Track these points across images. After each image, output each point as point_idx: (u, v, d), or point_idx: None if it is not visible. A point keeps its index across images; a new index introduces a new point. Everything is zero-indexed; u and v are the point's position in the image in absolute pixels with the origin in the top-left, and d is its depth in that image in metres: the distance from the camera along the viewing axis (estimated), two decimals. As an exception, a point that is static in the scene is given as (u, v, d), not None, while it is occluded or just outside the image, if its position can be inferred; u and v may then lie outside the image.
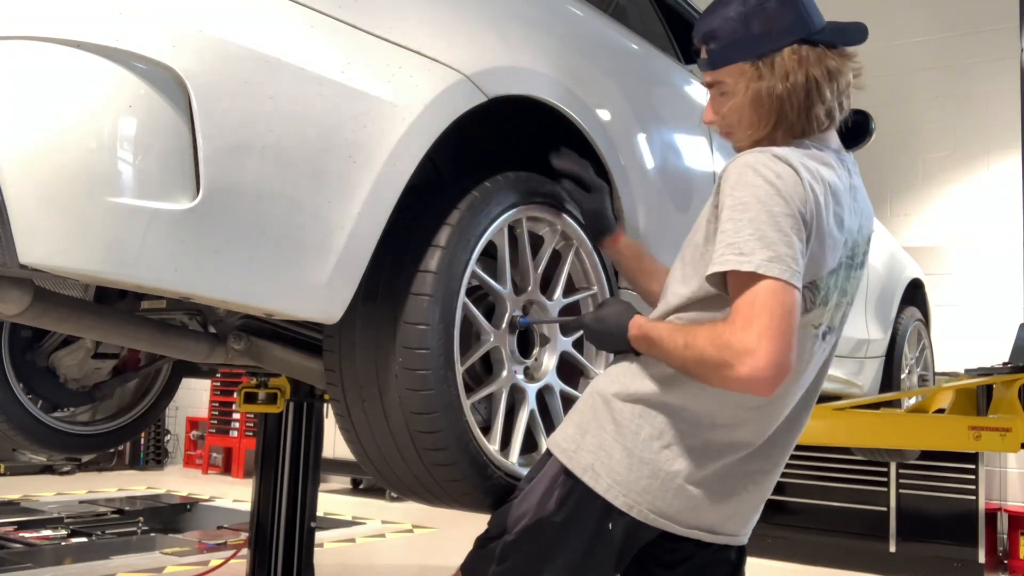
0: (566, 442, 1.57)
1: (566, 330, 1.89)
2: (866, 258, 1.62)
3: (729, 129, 1.58)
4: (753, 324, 1.32)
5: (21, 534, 5.65)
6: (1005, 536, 5.76)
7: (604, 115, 2.06)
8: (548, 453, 1.60)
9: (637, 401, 1.53)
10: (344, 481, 8.99)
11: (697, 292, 1.49)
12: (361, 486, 8.82)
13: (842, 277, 1.53)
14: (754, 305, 1.33)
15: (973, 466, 5.46)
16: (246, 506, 4.82)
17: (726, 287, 1.41)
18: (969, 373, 4.02)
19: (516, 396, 1.79)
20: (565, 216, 1.89)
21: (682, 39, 2.88)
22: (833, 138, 1.57)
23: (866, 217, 1.60)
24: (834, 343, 1.61)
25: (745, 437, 1.54)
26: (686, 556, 1.61)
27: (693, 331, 1.42)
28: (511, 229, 1.78)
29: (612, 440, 1.52)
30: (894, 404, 3.94)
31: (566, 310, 1.93)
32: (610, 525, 1.52)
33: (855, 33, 1.51)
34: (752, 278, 1.34)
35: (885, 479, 5.64)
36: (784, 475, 6.05)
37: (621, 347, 1.59)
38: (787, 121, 1.49)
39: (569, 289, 1.95)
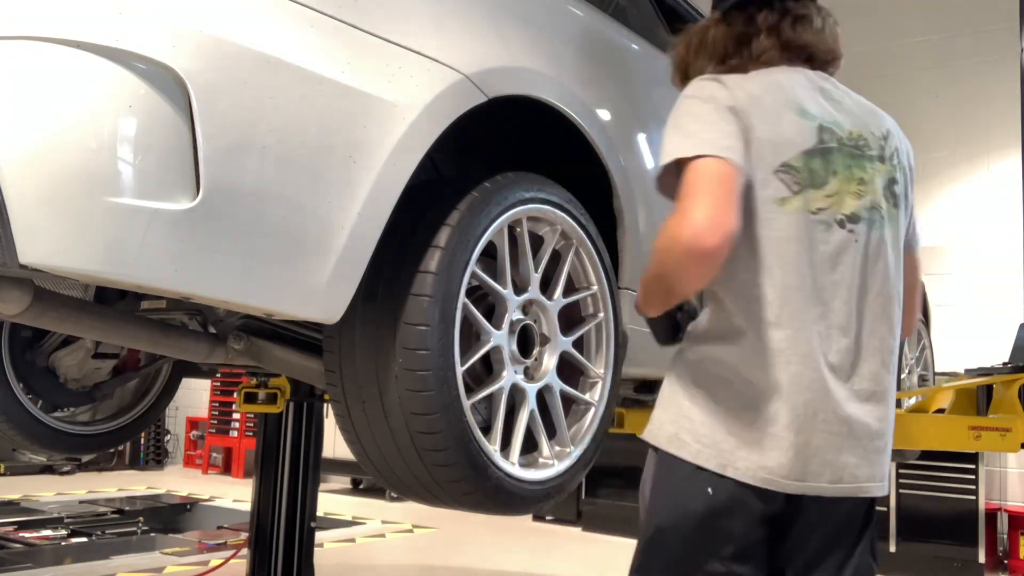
0: (651, 424, 1.57)
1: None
2: (895, 155, 1.60)
3: None
4: (684, 201, 1.41)
5: (21, 534, 5.65)
6: (1005, 536, 5.76)
7: (604, 115, 2.06)
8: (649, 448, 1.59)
9: (706, 360, 1.51)
10: (344, 481, 8.99)
11: None
12: (361, 486, 8.82)
13: (839, 162, 1.52)
14: (685, 189, 1.42)
15: (973, 466, 5.46)
16: (246, 506, 4.82)
17: None
18: (969, 373, 4.01)
19: (516, 396, 1.79)
20: (565, 216, 1.89)
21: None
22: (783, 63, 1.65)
23: (863, 114, 1.61)
24: (878, 239, 1.54)
25: (811, 364, 1.46)
26: (813, 522, 1.51)
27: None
28: (511, 229, 1.78)
29: (690, 405, 1.50)
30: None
31: (566, 310, 1.93)
32: (710, 490, 1.46)
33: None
34: (680, 169, 1.45)
35: (885, 479, 5.63)
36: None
37: (661, 328, 1.63)
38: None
39: (569, 289, 1.95)
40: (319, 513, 4.01)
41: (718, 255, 1.38)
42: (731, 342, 1.48)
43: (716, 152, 1.43)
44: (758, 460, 1.44)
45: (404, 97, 1.50)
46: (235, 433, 9.68)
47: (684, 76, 1.72)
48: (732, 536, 1.46)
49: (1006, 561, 5.70)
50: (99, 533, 5.92)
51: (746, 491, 1.45)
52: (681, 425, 1.50)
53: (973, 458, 5.42)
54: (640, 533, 1.55)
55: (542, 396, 1.85)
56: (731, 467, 1.45)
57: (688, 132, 1.47)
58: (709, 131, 1.46)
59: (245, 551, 3.80)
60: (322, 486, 4.66)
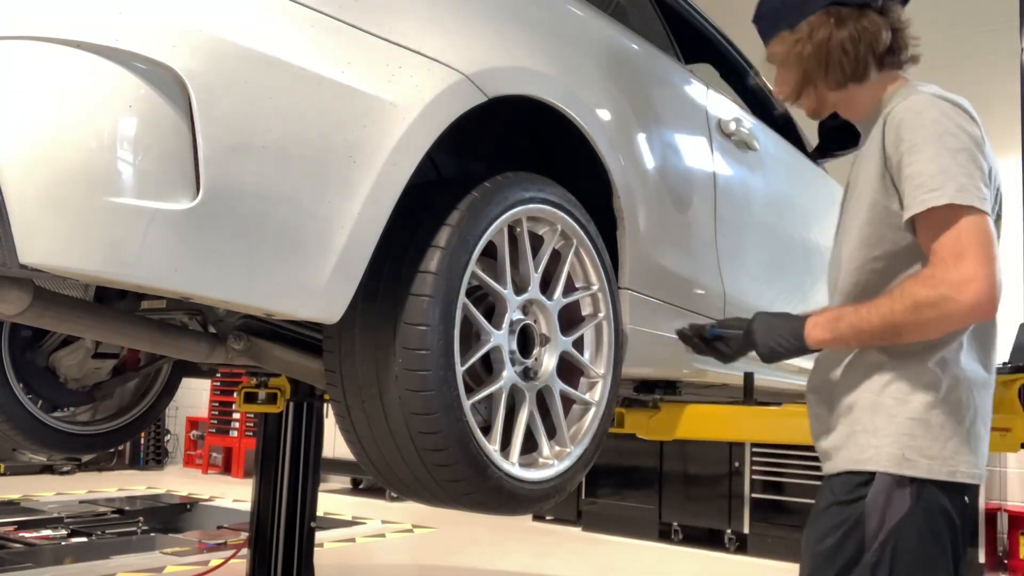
0: (859, 451, 1.57)
1: (727, 355, 1.80)
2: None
3: (783, 95, 1.71)
4: (968, 259, 1.41)
5: (21, 534, 5.66)
6: (1005, 536, 5.76)
7: (604, 115, 2.06)
8: None
9: (929, 370, 1.55)
10: (344, 481, 9.00)
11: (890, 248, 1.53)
12: (361, 486, 8.82)
13: None
14: (967, 242, 1.41)
15: (973, 466, 5.45)
16: (246, 506, 4.82)
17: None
18: (969, 373, 4.01)
19: (516, 396, 1.79)
20: (565, 216, 1.88)
21: (682, 39, 2.88)
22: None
23: None
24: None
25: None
26: None
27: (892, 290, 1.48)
28: (511, 229, 1.78)
29: (906, 420, 1.56)
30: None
31: (566, 309, 1.93)
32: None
33: None
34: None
35: (885, 479, 5.63)
36: (784, 475, 6.01)
37: (792, 350, 1.61)
38: (812, 75, 1.62)
39: (569, 289, 1.95)
40: (319, 513, 4.01)
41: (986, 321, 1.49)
42: (940, 347, 1.52)
43: (985, 211, 1.43)
44: (973, 459, 1.51)
45: (404, 97, 1.50)
46: (235, 433, 9.69)
47: (834, 71, 1.60)
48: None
49: (1006, 561, 5.70)
50: (99, 533, 5.92)
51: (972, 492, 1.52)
52: (904, 444, 1.48)
53: (973, 458, 5.41)
54: None
55: (542, 396, 1.85)
56: (959, 472, 1.49)
57: (969, 174, 1.43)
58: (979, 182, 1.44)
59: (245, 551, 3.80)
60: (322, 486, 4.67)
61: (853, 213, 1.60)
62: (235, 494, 7.76)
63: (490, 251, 1.74)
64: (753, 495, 6.16)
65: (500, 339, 1.74)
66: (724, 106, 2.79)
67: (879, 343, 1.51)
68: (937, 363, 1.51)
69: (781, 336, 1.59)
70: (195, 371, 2.90)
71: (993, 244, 1.42)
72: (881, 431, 1.49)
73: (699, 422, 2.92)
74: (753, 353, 1.71)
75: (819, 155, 3.53)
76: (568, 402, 1.93)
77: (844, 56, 1.58)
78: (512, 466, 1.72)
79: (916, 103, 1.49)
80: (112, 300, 2.19)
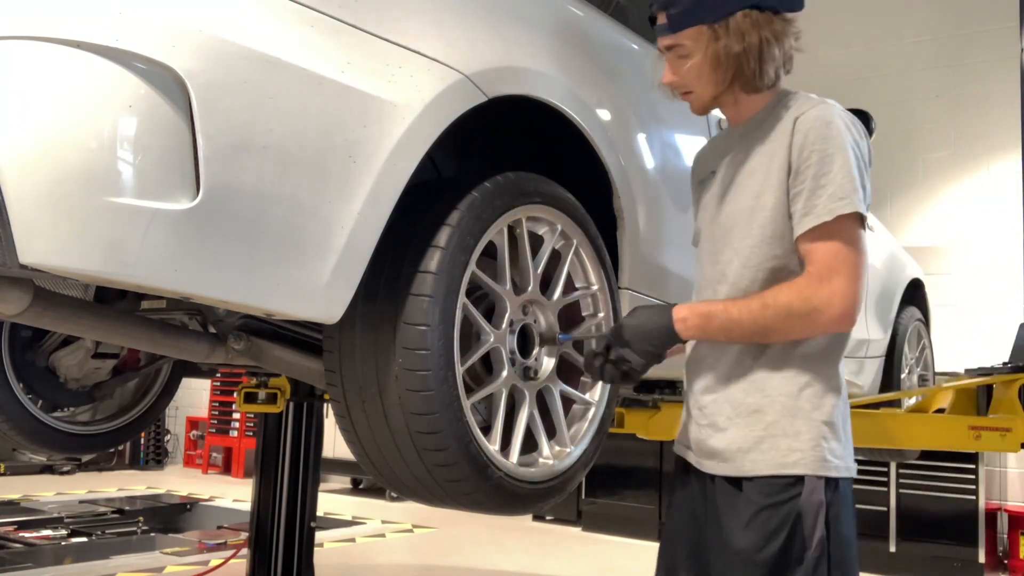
0: (782, 455, 1.63)
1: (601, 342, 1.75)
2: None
3: (688, 88, 1.68)
4: (842, 274, 1.52)
5: (21, 534, 5.66)
6: (1005, 536, 5.76)
7: (604, 115, 2.06)
8: None
9: (824, 375, 1.63)
10: (344, 481, 9.00)
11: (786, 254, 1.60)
12: (361, 486, 8.82)
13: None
14: (845, 256, 1.52)
15: (973, 466, 5.46)
16: (246, 506, 4.83)
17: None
18: (969, 373, 4.01)
19: (516, 396, 1.79)
20: (565, 215, 1.89)
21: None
22: None
23: None
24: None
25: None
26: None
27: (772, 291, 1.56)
28: (511, 229, 1.78)
29: (819, 423, 1.63)
30: (894, 404, 3.94)
31: (566, 309, 1.93)
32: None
33: (795, 1, 1.64)
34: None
35: (885, 479, 5.64)
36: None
37: (666, 346, 1.63)
38: (743, 77, 1.61)
39: (569, 288, 1.95)
40: (319, 513, 4.02)
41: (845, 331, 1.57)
42: (840, 352, 1.63)
43: (868, 225, 1.54)
44: (852, 453, 1.62)
45: (404, 97, 1.50)
46: (235, 433, 9.69)
47: (742, 78, 1.61)
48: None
49: (1006, 561, 5.70)
50: (99, 533, 5.93)
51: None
52: (823, 446, 1.56)
53: (973, 458, 5.42)
54: None
55: (542, 396, 1.85)
56: (851, 468, 1.60)
57: (862, 185, 1.52)
58: (866, 193, 1.54)
59: (245, 551, 3.81)
60: (322, 486, 4.67)
61: (751, 209, 1.61)
62: (235, 494, 7.77)
63: (490, 251, 1.74)
64: (753, 495, 6.16)
65: (500, 339, 1.74)
66: (724, 106, 2.79)
67: (745, 341, 1.59)
68: (841, 367, 1.62)
69: (654, 337, 1.61)
70: (195, 371, 2.90)
71: (864, 261, 1.52)
72: (803, 435, 1.55)
73: (699, 422, 2.91)
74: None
75: None
76: (568, 402, 1.93)
77: (772, 61, 1.61)
78: (512, 466, 1.72)
79: (825, 114, 1.55)
80: (112, 300, 2.19)
